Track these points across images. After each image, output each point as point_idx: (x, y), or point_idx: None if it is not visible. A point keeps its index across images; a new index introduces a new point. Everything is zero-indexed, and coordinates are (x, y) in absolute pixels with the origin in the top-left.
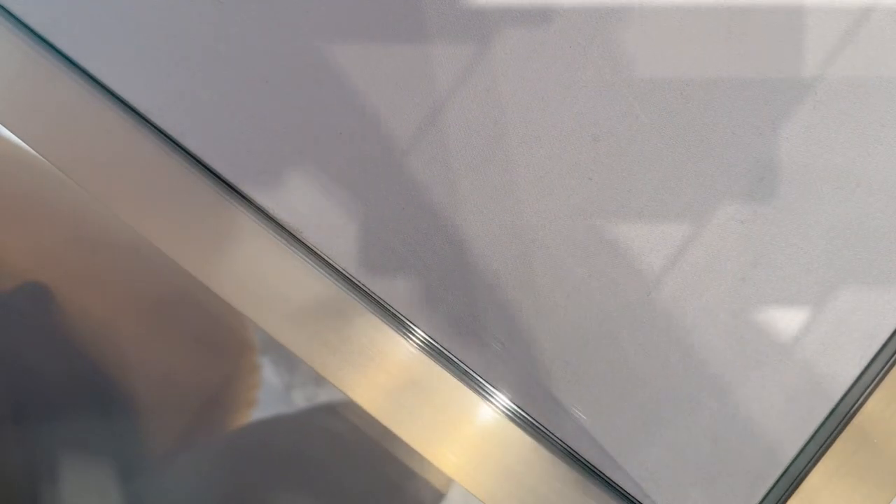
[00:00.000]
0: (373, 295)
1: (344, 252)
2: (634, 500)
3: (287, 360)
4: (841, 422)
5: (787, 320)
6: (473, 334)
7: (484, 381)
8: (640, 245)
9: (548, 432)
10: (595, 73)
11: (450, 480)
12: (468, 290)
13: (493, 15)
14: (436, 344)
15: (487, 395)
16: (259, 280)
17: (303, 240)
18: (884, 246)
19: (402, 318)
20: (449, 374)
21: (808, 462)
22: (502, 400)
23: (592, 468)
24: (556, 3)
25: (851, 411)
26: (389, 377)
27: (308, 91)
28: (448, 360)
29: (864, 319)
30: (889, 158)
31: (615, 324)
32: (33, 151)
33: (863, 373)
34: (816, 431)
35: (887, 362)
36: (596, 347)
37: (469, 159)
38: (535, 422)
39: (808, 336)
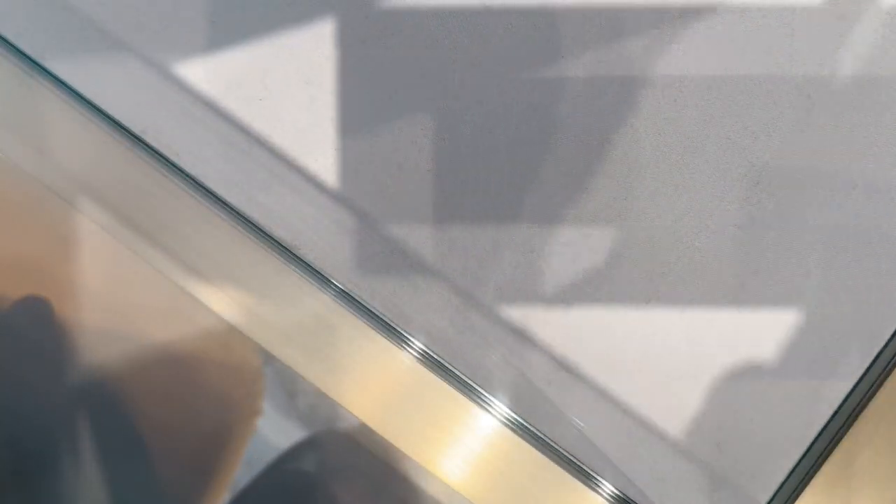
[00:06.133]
0: (371, 309)
1: (340, 267)
2: None
3: (289, 368)
4: (843, 425)
5: (786, 325)
6: (472, 344)
7: (482, 391)
8: (637, 252)
9: (549, 440)
10: (587, 81)
11: (451, 491)
12: (466, 301)
13: (484, 21)
14: (433, 355)
15: (487, 405)
16: (256, 296)
17: (300, 256)
18: (882, 248)
19: (399, 331)
20: (447, 385)
21: (812, 465)
22: (502, 410)
23: (593, 475)
24: (547, 8)
25: (854, 414)
26: (388, 389)
27: (302, 105)
28: (446, 370)
29: (864, 322)
30: (884, 160)
31: (616, 332)
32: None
33: (864, 375)
34: (819, 435)
35: (888, 364)
36: (598, 357)
37: (461, 171)
38: (535, 430)
39: (808, 340)
